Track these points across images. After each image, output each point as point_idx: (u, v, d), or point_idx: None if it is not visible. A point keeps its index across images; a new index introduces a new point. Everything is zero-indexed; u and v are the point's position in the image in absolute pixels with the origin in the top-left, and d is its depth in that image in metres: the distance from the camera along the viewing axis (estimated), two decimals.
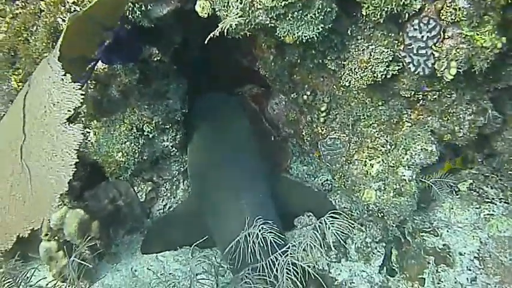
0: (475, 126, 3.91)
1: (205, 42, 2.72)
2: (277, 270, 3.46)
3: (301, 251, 3.49)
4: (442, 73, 3.16)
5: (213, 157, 4.38)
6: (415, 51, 3.20)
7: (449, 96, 3.77)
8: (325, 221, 3.55)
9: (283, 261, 3.43)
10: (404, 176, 3.87)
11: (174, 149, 4.39)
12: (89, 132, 4.07)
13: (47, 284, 3.40)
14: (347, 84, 3.43)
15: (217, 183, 4.24)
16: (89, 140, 4.08)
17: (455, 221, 4.40)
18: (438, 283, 4.19)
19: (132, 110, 3.98)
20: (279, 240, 3.71)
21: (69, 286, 3.29)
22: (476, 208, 4.43)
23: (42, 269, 3.98)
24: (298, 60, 3.85)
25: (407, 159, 3.85)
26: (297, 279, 3.40)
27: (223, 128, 4.56)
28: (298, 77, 4.12)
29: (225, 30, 2.98)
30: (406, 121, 4.02)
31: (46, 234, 3.70)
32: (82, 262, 3.30)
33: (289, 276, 3.38)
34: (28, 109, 2.58)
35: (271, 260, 3.59)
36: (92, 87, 3.56)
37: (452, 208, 4.46)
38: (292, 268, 3.41)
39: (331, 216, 3.61)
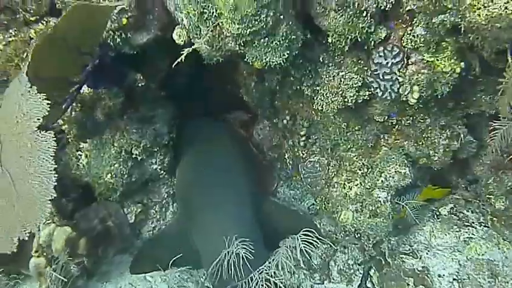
0: (449, 150, 4.04)
1: (173, 66, 2.91)
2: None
3: (273, 267, 3.60)
4: (406, 97, 3.32)
5: (200, 179, 4.54)
6: (381, 77, 3.38)
7: (422, 121, 3.93)
8: (297, 238, 3.67)
9: (258, 277, 3.55)
10: (379, 197, 4.00)
11: (162, 171, 4.57)
12: (81, 155, 4.27)
13: None
14: (320, 108, 3.60)
15: (202, 205, 4.39)
16: (81, 162, 4.28)
17: (436, 243, 4.49)
18: None
19: (122, 133, 4.19)
20: (261, 260, 3.85)
21: None
22: (457, 231, 4.51)
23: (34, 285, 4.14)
24: (277, 87, 4.05)
25: (381, 181, 3.99)
26: None
27: (210, 152, 4.73)
28: (279, 103, 4.33)
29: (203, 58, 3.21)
30: (384, 145, 4.17)
31: (36, 251, 3.86)
32: (62, 278, 3.43)
33: None
34: (2, 120, 2.79)
35: (249, 278, 3.72)
36: (77, 109, 3.78)
37: (433, 231, 4.55)
38: (266, 284, 3.52)
39: (304, 234, 3.73)
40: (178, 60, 2.84)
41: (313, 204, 5.03)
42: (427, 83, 3.24)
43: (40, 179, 2.70)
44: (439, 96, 3.31)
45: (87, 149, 4.23)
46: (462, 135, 3.93)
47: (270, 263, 3.69)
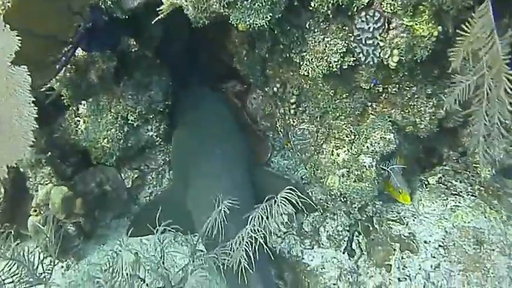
0: (435, 118, 4.14)
1: (153, 22, 3.03)
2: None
3: (256, 222, 3.71)
4: (387, 61, 3.43)
5: (194, 147, 4.68)
6: (364, 42, 3.49)
7: (408, 89, 4.03)
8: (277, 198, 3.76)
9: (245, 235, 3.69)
10: (364, 163, 4.12)
11: (158, 138, 4.72)
12: (79, 121, 4.44)
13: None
14: (306, 73, 3.72)
15: (196, 172, 4.53)
16: (79, 128, 4.45)
17: (423, 211, 4.60)
18: (403, 269, 4.38)
19: (118, 100, 4.34)
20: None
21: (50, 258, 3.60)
22: (444, 200, 4.61)
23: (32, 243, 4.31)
24: (267, 55, 4.17)
25: (367, 147, 4.10)
26: (251, 249, 3.63)
27: (205, 121, 4.86)
28: (270, 71, 4.45)
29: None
30: (371, 113, 4.28)
31: (34, 210, 4.04)
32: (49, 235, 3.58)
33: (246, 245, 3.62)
34: None
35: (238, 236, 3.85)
36: (72, 71, 3.93)
37: (421, 200, 4.66)
38: (248, 239, 3.65)
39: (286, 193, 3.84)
40: (158, 18, 2.95)
41: (306, 174, 5.15)
42: (407, 46, 3.34)
43: (19, 111, 2.84)
44: (419, 60, 3.40)
45: (85, 114, 4.39)
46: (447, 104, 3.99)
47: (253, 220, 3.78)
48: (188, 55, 5.23)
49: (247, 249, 3.67)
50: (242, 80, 5.22)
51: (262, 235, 3.67)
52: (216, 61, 5.18)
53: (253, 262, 3.66)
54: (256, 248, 3.75)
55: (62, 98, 4.06)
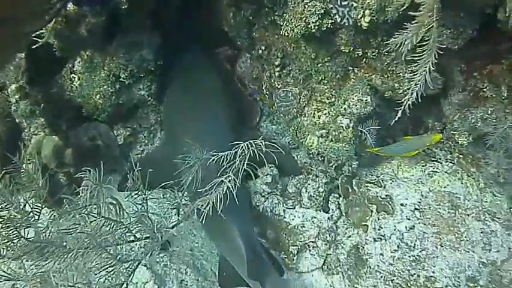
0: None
1: None
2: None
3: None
4: (359, 22, 3.58)
5: (184, 109, 4.89)
6: (339, 3, 3.64)
7: (387, 54, 4.16)
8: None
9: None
10: (342, 123, 4.29)
11: (150, 98, 4.93)
12: (74, 78, 4.67)
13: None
14: (286, 34, 3.89)
15: (185, 132, 4.73)
16: (74, 84, 4.68)
17: (401, 176, 4.76)
18: (379, 229, 4.56)
19: (111, 58, 4.56)
20: None
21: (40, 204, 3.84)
22: (423, 166, 4.78)
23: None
24: (253, 18, 4.33)
25: (345, 108, 4.27)
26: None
27: (195, 83, 5.05)
28: (257, 34, 4.62)
29: None
30: (352, 78, 4.43)
31: (28, 158, 4.27)
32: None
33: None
34: None
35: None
36: (62, 24, 4.14)
37: (400, 165, 4.82)
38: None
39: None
40: None
41: None
42: (378, 7, 3.47)
43: None
44: (389, 22, 3.52)
45: (80, 71, 4.61)
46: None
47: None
48: (181, 19, 5.40)
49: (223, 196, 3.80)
50: (234, 46, 5.38)
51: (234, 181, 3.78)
52: (208, 26, 5.34)
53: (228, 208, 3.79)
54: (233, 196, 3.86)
55: (54, 49, 4.27)
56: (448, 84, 4.56)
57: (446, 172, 4.68)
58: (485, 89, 4.38)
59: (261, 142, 3.68)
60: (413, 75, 3.08)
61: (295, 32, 3.82)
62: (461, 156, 4.74)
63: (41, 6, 3.29)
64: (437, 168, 4.73)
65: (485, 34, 4.00)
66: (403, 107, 3.20)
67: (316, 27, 3.79)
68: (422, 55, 2.97)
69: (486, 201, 4.59)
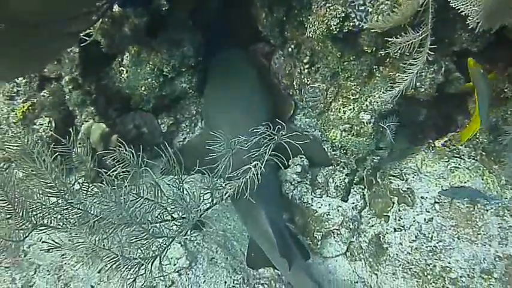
0: (434, 83, 4.50)
1: None
2: None
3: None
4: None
5: (222, 101, 5.30)
6: (357, 8, 3.93)
7: (408, 54, 4.40)
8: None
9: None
10: (363, 119, 4.57)
11: (191, 90, 5.38)
12: (123, 70, 5.16)
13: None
14: (310, 35, 4.21)
15: (222, 123, 5.15)
16: (122, 76, 5.17)
17: (424, 170, 4.98)
18: (399, 220, 4.82)
19: (156, 53, 5.02)
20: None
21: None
22: (445, 162, 4.97)
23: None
24: (285, 18, 4.67)
25: (366, 105, 4.55)
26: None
27: (233, 77, 5.44)
28: (288, 34, 4.96)
29: None
30: (378, 76, 4.69)
31: (79, 143, 4.77)
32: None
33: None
34: None
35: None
36: (108, 24, 4.62)
37: (424, 160, 5.04)
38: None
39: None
40: None
41: None
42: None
43: None
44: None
45: (127, 65, 5.09)
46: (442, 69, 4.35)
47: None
48: (219, 19, 5.79)
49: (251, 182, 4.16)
50: (269, 43, 5.73)
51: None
52: (244, 25, 5.70)
53: (258, 194, 4.15)
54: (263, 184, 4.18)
55: (101, 46, 4.76)
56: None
57: (467, 168, 4.86)
58: (506, 90, 4.55)
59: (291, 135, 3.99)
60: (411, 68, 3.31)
61: (317, 33, 4.13)
62: (484, 153, 4.89)
63: (88, 8, 3.75)
64: (459, 164, 4.90)
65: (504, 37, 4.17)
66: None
67: (338, 29, 4.08)
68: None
69: (506, 198, 4.73)
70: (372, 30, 3.97)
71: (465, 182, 4.80)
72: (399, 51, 3.81)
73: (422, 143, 5.29)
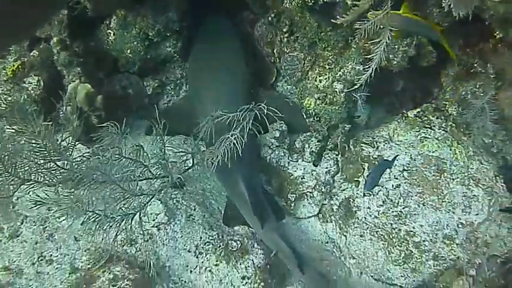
0: (406, 56, 4.68)
1: None
2: None
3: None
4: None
5: (206, 65, 5.50)
6: None
7: (382, 28, 4.56)
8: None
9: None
10: (336, 88, 4.77)
11: (176, 55, 5.57)
12: (110, 33, 5.35)
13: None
14: (287, 6, 4.38)
15: (206, 86, 5.36)
16: (110, 39, 5.36)
17: (396, 139, 5.21)
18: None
19: (142, 18, 5.20)
20: None
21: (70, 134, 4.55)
22: (416, 131, 5.19)
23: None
24: None
25: (340, 75, 4.75)
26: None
27: (218, 43, 5.61)
28: (269, 3, 5.12)
29: None
30: (353, 47, 4.87)
31: (67, 102, 4.99)
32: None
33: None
34: None
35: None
36: None
37: (396, 129, 5.26)
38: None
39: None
40: None
41: None
42: None
43: None
44: None
45: (115, 28, 5.28)
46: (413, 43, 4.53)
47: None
48: None
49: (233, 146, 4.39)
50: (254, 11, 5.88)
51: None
52: None
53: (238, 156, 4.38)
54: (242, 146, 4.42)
55: (87, 10, 4.94)
56: (447, 58, 4.91)
57: (437, 138, 5.08)
58: (475, 65, 4.74)
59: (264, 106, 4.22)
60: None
61: (293, 4, 4.30)
62: (454, 125, 5.10)
63: None
64: (429, 134, 5.12)
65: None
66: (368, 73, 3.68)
67: (313, 1, 4.24)
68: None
69: (472, 168, 4.95)
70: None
71: (433, 152, 5.01)
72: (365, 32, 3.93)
73: (398, 113, 5.45)
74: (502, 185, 4.90)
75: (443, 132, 5.12)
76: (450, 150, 5.03)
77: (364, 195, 5.05)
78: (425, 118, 5.23)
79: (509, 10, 3.55)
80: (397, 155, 4.92)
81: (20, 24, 3.66)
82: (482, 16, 3.91)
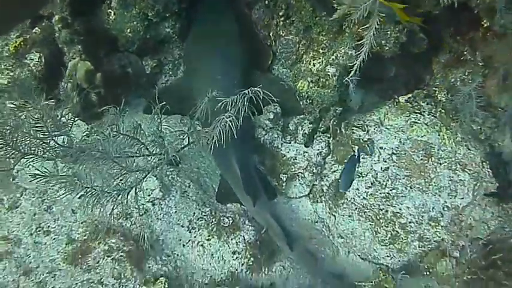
0: (398, 42, 4.81)
1: None
2: None
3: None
4: None
5: (202, 46, 5.62)
6: None
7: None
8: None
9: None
10: (329, 72, 4.91)
11: (174, 35, 5.70)
12: (111, 12, 5.47)
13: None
14: None
15: (202, 67, 5.49)
16: (110, 18, 5.48)
17: (386, 124, 5.35)
18: (357, 167, 5.21)
19: None
20: None
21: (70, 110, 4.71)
22: (406, 116, 5.34)
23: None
24: None
25: (332, 59, 4.88)
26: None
27: (215, 24, 5.72)
28: None
29: None
30: (347, 32, 4.99)
31: (67, 78, 5.14)
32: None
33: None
34: None
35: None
36: None
37: (387, 114, 5.40)
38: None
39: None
40: None
41: None
42: None
43: None
44: None
45: (116, 7, 5.40)
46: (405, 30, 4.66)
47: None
48: None
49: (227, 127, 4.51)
50: None
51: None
52: None
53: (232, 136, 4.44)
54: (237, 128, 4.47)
55: None
56: (439, 45, 5.05)
57: (426, 124, 5.23)
58: (465, 52, 4.87)
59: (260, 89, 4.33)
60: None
61: None
62: (443, 111, 5.25)
63: None
64: (418, 120, 5.27)
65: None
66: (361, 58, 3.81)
67: None
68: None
69: (460, 153, 5.11)
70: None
71: (422, 136, 5.16)
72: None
73: (391, 98, 5.59)
74: (488, 171, 5.05)
75: (432, 117, 5.26)
76: (438, 135, 5.17)
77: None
78: (416, 104, 5.36)
79: None
80: (361, 151, 5.10)
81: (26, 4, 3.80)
82: (469, 5, 4.01)
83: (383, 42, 4.81)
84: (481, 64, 4.75)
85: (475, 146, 5.14)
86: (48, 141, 4.61)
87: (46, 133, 4.57)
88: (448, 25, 4.91)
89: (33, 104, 4.41)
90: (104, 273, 4.63)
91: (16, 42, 5.44)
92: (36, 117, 4.45)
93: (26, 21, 5.41)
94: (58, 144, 4.59)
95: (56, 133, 4.65)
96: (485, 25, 4.24)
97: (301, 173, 5.45)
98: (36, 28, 5.50)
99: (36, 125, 4.48)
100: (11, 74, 5.41)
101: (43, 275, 4.73)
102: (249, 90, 4.41)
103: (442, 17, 4.69)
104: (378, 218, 5.09)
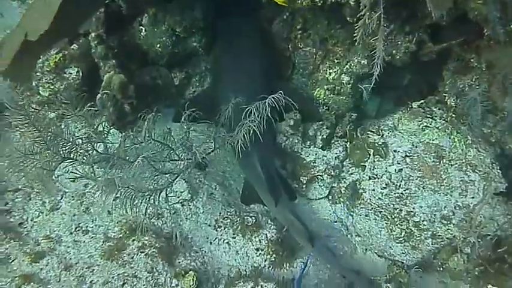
0: (408, 52, 5.16)
1: None
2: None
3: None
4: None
5: (228, 58, 6.04)
6: None
7: (386, 26, 5.05)
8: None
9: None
10: (344, 80, 5.28)
11: (201, 49, 6.13)
12: (142, 29, 5.94)
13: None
14: (298, 6, 4.90)
15: (227, 78, 5.90)
16: (141, 34, 5.95)
17: (400, 128, 5.69)
18: (373, 169, 5.56)
19: (170, 16, 5.78)
20: None
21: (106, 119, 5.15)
22: (419, 121, 5.66)
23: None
24: None
25: (347, 68, 5.26)
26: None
27: (239, 39, 6.15)
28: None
29: None
30: (361, 43, 5.35)
31: (102, 90, 5.57)
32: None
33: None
34: None
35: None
36: None
37: (401, 119, 5.74)
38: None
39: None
40: None
41: None
42: None
43: None
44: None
45: (146, 24, 5.87)
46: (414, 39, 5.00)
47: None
48: None
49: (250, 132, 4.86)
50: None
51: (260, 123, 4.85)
52: None
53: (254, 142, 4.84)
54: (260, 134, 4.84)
55: (121, 9, 5.53)
56: (449, 54, 5.37)
57: (437, 128, 5.54)
58: (472, 60, 5.19)
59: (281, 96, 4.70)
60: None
61: (303, 4, 4.81)
62: (454, 115, 5.55)
63: None
64: (430, 124, 5.58)
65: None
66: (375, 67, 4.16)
67: (322, 2, 4.75)
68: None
69: (470, 155, 5.41)
70: None
71: (433, 140, 5.47)
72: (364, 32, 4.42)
73: (405, 104, 5.92)
74: (498, 171, 5.33)
75: (443, 122, 5.56)
76: (449, 138, 5.47)
77: (370, 178, 5.51)
78: (428, 109, 5.69)
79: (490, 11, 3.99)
80: (308, 260, 5.30)
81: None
82: (469, 16, 4.35)
83: (394, 51, 5.15)
84: (484, 70, 5.02)
85: (485, 148, 5.41)
86: (87, 147, 5.02)
87: (85, 140, 5.00)
88: (455, 34, 5.18)
89: (75, 111, 4.85)
90: (138, 268, 5.00)
91: (56, 58, 5.91)
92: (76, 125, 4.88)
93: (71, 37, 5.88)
94: (96, 150, 5.00)
95: (94, 140, 5.08)
96: (486, 34, 4.53)
97: (320, 175, 5.79)
98: (74, 45, 5.95)
99: (76, 132, 4.90)
100: (52, 87, 5.86)
101: (82, 269, 5.12)
102: (270, 97, 4.75)
103: (450, 27, 4.99)
104: (393, 216, 5.39)
